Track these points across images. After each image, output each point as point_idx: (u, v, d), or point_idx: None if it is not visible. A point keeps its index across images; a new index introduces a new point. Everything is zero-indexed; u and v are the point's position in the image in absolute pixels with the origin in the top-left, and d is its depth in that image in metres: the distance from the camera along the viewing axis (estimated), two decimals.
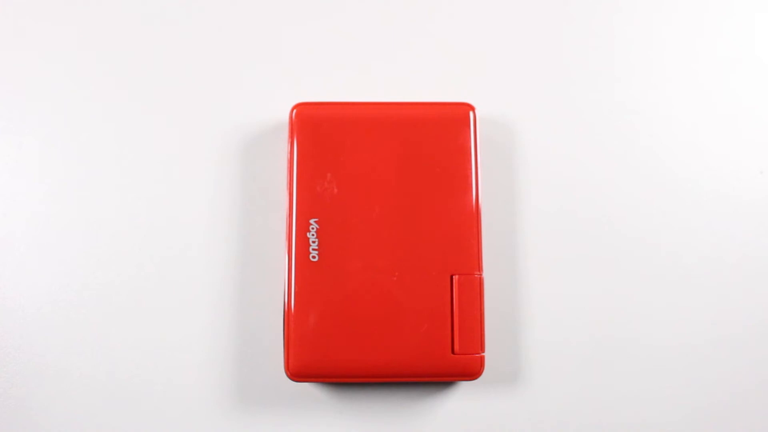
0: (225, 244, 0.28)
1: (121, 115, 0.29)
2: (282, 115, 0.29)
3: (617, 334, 0.28)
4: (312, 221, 0.26)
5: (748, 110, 0.30)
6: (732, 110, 0.30)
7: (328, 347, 0.25)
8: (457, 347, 0.25)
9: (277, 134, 0.29)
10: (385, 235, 0.26)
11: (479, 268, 0.26)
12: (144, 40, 0.30)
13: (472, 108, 0.27)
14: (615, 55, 0.30)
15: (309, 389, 0.27)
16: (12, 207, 0.28)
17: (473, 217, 0.26)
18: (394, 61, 0.30)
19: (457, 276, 0.26)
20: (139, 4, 0.30)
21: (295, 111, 0.27)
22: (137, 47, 0.30)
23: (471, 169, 0.27)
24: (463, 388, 0.27)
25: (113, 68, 0.30)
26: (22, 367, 0.27)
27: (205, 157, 0.29)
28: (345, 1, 0.31)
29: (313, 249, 0.26)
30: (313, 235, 0.26)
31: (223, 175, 0.29)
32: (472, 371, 0.26)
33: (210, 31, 0.30)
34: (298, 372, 0.25)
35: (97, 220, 0.28)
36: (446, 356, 0.25)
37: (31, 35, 0.30)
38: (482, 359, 0.26)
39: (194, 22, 0.30)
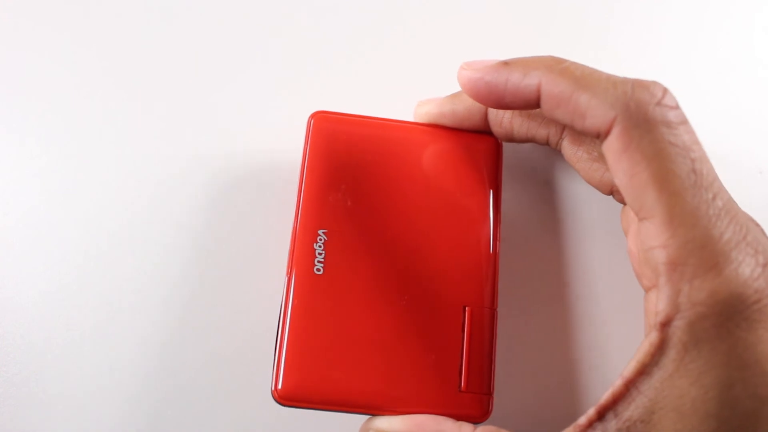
0: (227, 246, 0.28)
1: (122, 114, 0.29)
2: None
3: None
4: (320, 232, 0.24)
5: (747, 110, 0.30)
6: (731, 110, 0.30)
7: (323, 370, 0.23)
8: (464, 385, 0.23)
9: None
10: (397, 257, 0.24)
11: (493, 302, 0.24)
12: (145, 40, 0.30)
13: (500, 143, 0.26)
14: (612, 55, 0.30)
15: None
16: (12, 207, 0.28)
17: (491, 250, 0.25)
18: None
19: (469, 308, 0.24)
20: (140, 4, 0.30)
21: (313, 120, 0.26)
22: (138, 47, 0.30)
23: (493, 200, 0.25)
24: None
25: (114, 68, 0.30)
26: (22, 367, 0.27)
27: (208, 158, 0.29)
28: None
29: (319, 261, 0.24)
30: (320, 246, 0.24)
31: (227, 174, 0.29)
32: (478, 413, 0.23)
33: (214, 29, 0.30)
34: (287, 395, 0.23)
35: (97, 220, 0.28)
36: (451, 393, 0.23)
37: (31, 35, 0.30)
38: (489, 401, 0.24)
39: (200, 19, 0.30)
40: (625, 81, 0.21)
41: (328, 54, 0.30)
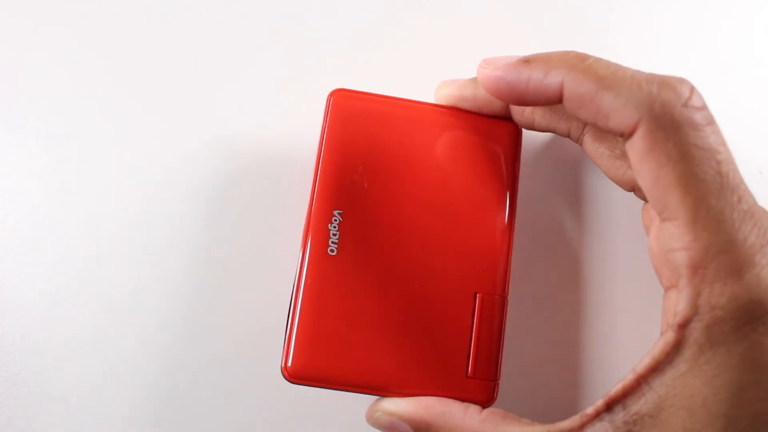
0: (229, 245, 0.28)
1: (122, 114, 0.29)
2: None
3: None
4: (336, 212, 0.24)
5: (747, 110, 0.30)
6: (731, 110, 0.30)
7: (333, 350, 0.23)
8: (471, 370, 0.24)
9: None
10: (411, 240, 0.24)
11: (504, 290, 0.25)
12: (145, 40, 0.30)
13: (519, 129, 0.26)
14: (612, 55, 0.30)
15: (307, 390, 0.27)
16: (12, 207, 0.28)
17: (505, 237, 0.25)
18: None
19: (480, 294, 0.24)
20: (140, 4, 0.30)
21: (333, 98, 0.25)
22: (138, 46, 0.30)
23: (510, 188, 0.25)
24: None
25: (114, 68, 0.30)
26: (22, 367, 0.27)
27: (209, 157, 0.29)
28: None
29: (333, 242, 0.24)
30: (334, 227, 0.24)
31: (228, 174, 0.29)
32: (483, 398, 0.24)
33: (214, 28, 0.30)
34: (296, 374, 0.23)
35: (97, 220, 0.28)
36: (458, 378, 0.24)
37: (31, 35, 0.30)
38: (495, 387, 0.24)
39: (200, 19, 0.30)
40: (650, 80, 0.20)
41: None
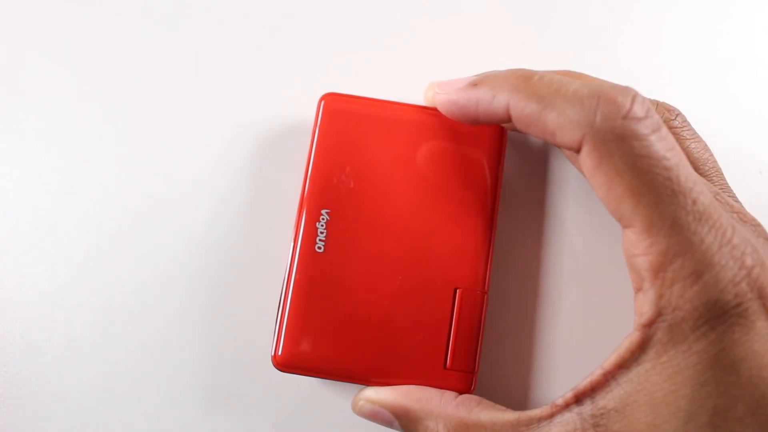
0: (229, 245, 0.28)
1: (122, 114, 0.29)
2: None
3: None
4: (323, 212, 0.26)
5: (747, 110, 0.30)
6: (731, 110, 0.30)
7: (319, 341, 0.25)
8: (449, 362, 0.25)
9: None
10: (395, 238, 0.25)
11: (484, 285, 0.25)
12: (145, 40, 0.30)
13: (504, 130, 0.27)
14: (612, 55, 0.30)
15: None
16: (12, 207, 0.28)
17: (487, 235, 0.26)
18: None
19: (460, 290, 0.25)
20: (140, 4, 0.30)
21: (323, 101, 0.26)
22: (138, 46, 0.30)
23: (492, 188, 0.26)
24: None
25: (114, 68, 0.30)
26: (22, 367, 0.27)
27: (208, 157, 0.29)
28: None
29: (320, 240, 0.25)
30: (322, 225, 0.25)
31: (228, 174, 0.29)
32: (461, 390, 0.25)
33: (214, 28, 0.30)
34: (284, 362, 0.25)
35: (97, 220, 0.28)
36: (437, 370, 0.25)
37: (31, 35, 0.30)
38: (473, 379, 0.25)
39: (200, 19, 0.30)
40: (591, 95, 0.21)
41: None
